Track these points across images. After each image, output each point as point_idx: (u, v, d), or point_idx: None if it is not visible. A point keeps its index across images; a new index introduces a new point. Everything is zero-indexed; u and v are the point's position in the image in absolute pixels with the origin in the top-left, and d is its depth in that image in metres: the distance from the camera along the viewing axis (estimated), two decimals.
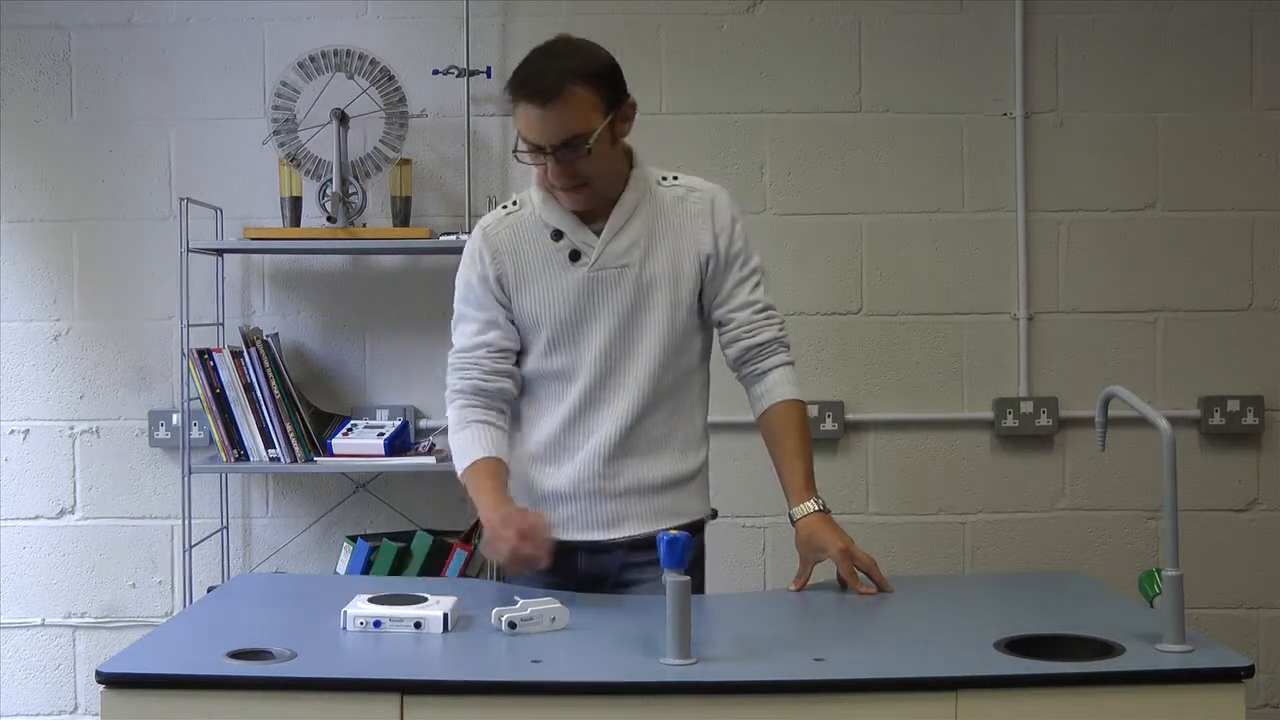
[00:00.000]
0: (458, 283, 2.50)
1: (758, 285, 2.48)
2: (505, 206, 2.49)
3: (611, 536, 2.43)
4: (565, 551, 2.44)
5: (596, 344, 2.40)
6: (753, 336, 2.47)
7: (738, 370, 2.51)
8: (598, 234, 2.41)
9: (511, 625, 2.06)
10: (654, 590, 2.32)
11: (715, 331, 2.52)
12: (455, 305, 2.50)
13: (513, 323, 2.45)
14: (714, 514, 2.56)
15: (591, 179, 2.34)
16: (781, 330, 2.51)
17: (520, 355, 2.48)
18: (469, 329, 2.47)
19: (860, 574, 2.32)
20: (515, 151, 2.35)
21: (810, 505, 2.38)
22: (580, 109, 2.29)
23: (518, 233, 2.44)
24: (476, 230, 2.49)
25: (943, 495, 3.75)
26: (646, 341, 2.41)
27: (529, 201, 2.45)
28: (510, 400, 2.48)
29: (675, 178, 2.48)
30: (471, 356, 2.45)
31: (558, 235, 2.41)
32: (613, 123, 2.34)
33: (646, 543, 2.37)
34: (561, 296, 2.41)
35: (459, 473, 2.43)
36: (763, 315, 2.48)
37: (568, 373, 2.42)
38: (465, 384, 2.45)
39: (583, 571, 2.45)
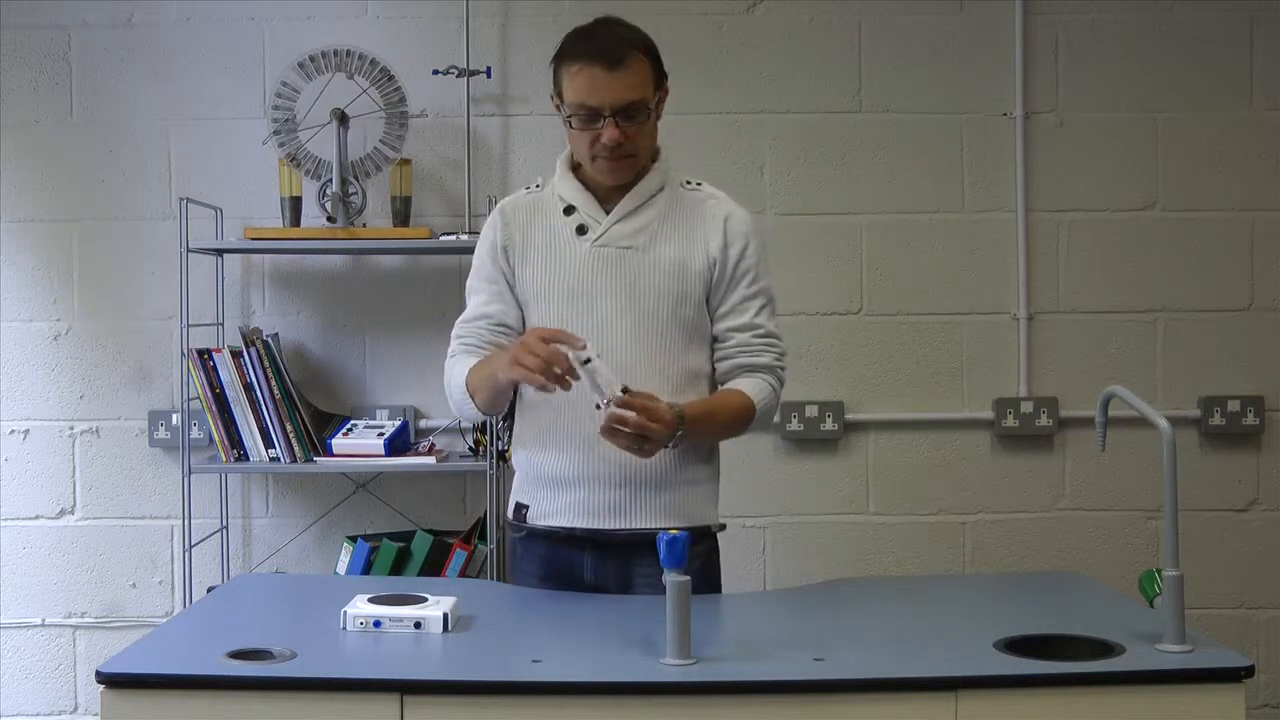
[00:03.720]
0: (474, 257, 2.54)
1: (764, 309, 2.47)
2: (528, 187, 2.56)
3: (616, 526, 2.39)
4: (572, 546, 2.42)
5: (594, 321, 2.39)
6: (750, 358, 2.45)
7: (723, 382, 2.49)
8: (609, 214, 2.44)
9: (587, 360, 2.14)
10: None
11: (713, 345, 2.49)
12: (469, 279, 2.54)
13: (517, 300, 2.48)
14: (722, 527, 2.52)
15: (639, 151, 2.40)
16: (779, 360, 2.48)
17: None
18: (476, 300, 2.52)
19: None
20: (567, 119, 2.38)
21: (678, 406, 2.28)
22: (642, 77, 2.37)
23: (534, 208, 2.50)
24: (497, 205, 2.56)
25: (943, 495, 3.75)
26: (648, 327, 2.39)
27: (550, 181, 2.51)
28: None
29: (699, 184, 2.51)
30: (472, 326, 2.50)
31: (570, 210, 2.45)
32: (658, 101, 2.42)
33: (653, 542, 2.36)
34: (562, 268, 2.42)
35: (462, 390, 2.42)
36: (763, 341, 2.47)
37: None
38: (462, 347, 2.49)
39: (589, 582, 2.42)
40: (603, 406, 2.19)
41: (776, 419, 3.65)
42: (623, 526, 2.39)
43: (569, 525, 2.41)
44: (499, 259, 2.48)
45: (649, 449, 2.25)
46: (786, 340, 2.51)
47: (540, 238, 2.46)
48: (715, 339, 2.47)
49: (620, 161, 2.39)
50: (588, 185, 2.46)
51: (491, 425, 3.41)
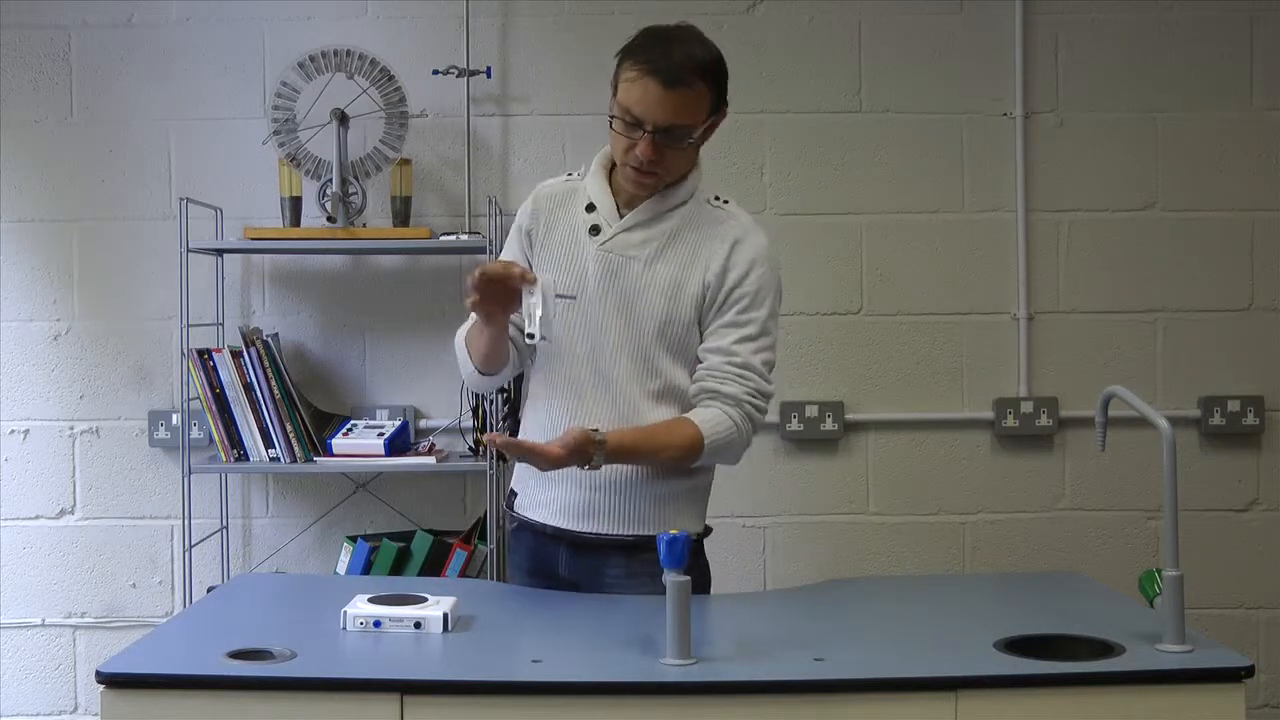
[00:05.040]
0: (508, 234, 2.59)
1: (748, 340, 2.37)
2: (569, 174, 2.55)
3: (587, 529, 2.40)
4: (549, 541, 2.44)
5: (588, 322, 2.40)
6: (716, 384, 2.37)
7: (692, 404, 2.41)
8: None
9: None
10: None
11: None
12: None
13: None
14: (708, 530, 2.49)
15: (668, 171, 2.37)
16: (751, 396, 2.36)
17: None
18: None
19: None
20: (611, 116, 2.35)
21: (599, 435, 2.27)
22: (696, 103, 2.33)
23: (564, 198, 2.49)
24: (535, 187, 2.56)
25: (943, 495, 3.75)
26: (635, 340, 2.39)
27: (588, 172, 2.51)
28: (517, 349, 2.51)
29: (726, 202, 2.47)
30: None
31: (591, 207, 2.44)
32: (709, 126, 2.39)
33: (623, 546, 2.38)
34: (570, 263, 2.43)
35: (463, 348, 2.49)
36: (735, 369, 2.37)
37: (561, 346, 2.41)
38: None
39: (564, 577, 2.44)
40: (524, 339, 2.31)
41: (775, 419, 3.67)
42: (591, 530, 2.40)
43: (543, 522, 2.44)
44: (523, 242, 2.50)
45: (544, 468, 2.30)
46: (776, 383, 2.42)
47: (561, 228, 2.46)
48: (696, 359, 2.42)
49: (645, 176, 2.36)
50: (614, 188, 2.44)
51: (492, 425, 3.41)
